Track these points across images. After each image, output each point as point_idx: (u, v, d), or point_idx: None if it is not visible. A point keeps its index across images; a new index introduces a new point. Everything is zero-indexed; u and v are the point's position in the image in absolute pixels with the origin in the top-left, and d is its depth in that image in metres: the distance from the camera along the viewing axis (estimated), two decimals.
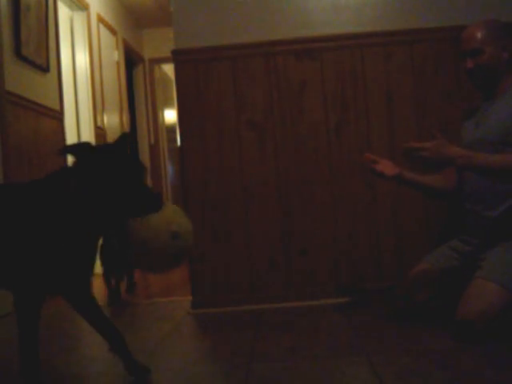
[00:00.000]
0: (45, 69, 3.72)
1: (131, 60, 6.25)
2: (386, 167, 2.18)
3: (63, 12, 4.47)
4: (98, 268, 3.10)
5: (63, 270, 1.62)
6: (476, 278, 1.97)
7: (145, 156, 6.34)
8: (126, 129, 5.67)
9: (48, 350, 2.24)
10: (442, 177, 2.27)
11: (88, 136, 4.64)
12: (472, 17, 2.66)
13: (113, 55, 5.41)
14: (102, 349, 1.93)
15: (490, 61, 2.06)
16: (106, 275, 3.18)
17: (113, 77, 5.35)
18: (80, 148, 1.61)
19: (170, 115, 6.94)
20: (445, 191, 2.28)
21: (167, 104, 6.92)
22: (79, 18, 4.67)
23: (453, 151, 1.99)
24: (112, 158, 1.55)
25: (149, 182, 6.34)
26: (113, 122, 5.24)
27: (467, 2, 2.76)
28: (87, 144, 1.62)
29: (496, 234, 2.04)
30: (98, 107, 4.79)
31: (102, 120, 4.91)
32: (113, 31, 5.45)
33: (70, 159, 1.64)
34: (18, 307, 1.71)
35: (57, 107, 3.91)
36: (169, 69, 6.80)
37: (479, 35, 2.06)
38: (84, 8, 4.67)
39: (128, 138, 1.64)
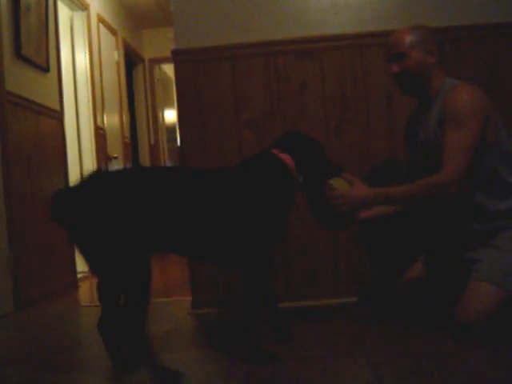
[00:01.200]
0: (45, 69, 3.72)
1: (131, 60, 6.25)
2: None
3: (63, 12, 4.47)
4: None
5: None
6: (472, 280, 1.96)
7: (145, 156, 6.35)
8: (126, 128, 5.67)
9: (48, 350, 2.24)
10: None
11: (88, 136, 4.65)
12: (472, 17, 2.67)
13: (113, 55, 5.41)
14: (101, 349, 1.94)
15: (415, 65, 2.04)
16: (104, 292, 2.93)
17: (113, 77, 5.36)
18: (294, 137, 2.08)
19: (170, 115, 6.94)
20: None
21: (167, 104, 6.93)
22: (79, 18, 4.67)
23: (365, 193, 2.00)
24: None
25: None
26: (113, 121, 5.24)
27: (467, 3, 2.76)
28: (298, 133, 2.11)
29: (492, 235, 2.03)
30: (97, 107, 4.79)
31: (102, 120, 4.91)
32: (113, 31, 5.45)
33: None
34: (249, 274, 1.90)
35: (57, 107, 3.91)
36: (169, 69, 6.80)
37: (404, 40, 2.05)
38: (84, 8, 4.67)
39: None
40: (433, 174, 1.98)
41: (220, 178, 1.89)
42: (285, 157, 1.97)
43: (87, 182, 1.72)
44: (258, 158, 2.00)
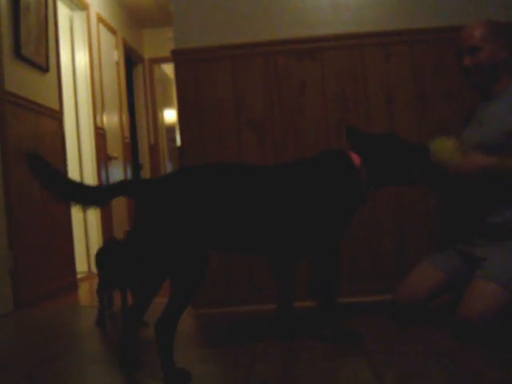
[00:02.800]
0: (44, 69, 3.72)
1: (131, 60, 6.25)
2: None
3: (63, 12, 4.47)
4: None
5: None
6: (476, 278, 1.97)
7: (145, 156, 6.34)
8: (126, 128, 5.67)
9: (48, 350, 2.24)
10: None
11: (88, 136, 4.64)
12: (472, 17, 2.66)
13: (112, 55, 5.40)
14: (101, 350, 1.94)
15: (487, 59, 2.05)
16: (101, 288, 2.64)
17: (112, 77, 5.35)
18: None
19: (170, 115, 6.94)
20: None
21: (167, 104, 6.92)
22: (79, 18, 4.67)
23: (479, 161, 1.97)
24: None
25: None
26: (112, 121, 5.24)
27: (467, 3, 2.76)
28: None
29: (501, 236, 2.04)
30: (97, 107, 4.79)
31: (102, 120, 4.90)
32: (113, 31, 5.45)
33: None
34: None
35: (56, 107, 3.91)
36: (169, 69, 6.80)
37: (478, 33, 2.06)
38: (84, 8, 4.66)
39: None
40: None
41: (297, 176, 1.98)
42: (354, 156, 2.01)
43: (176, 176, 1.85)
44: (328, 155, 2.05)
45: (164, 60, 6.35)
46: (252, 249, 2.03)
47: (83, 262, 4.42)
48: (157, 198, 1.71)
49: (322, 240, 1.99)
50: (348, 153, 2.03)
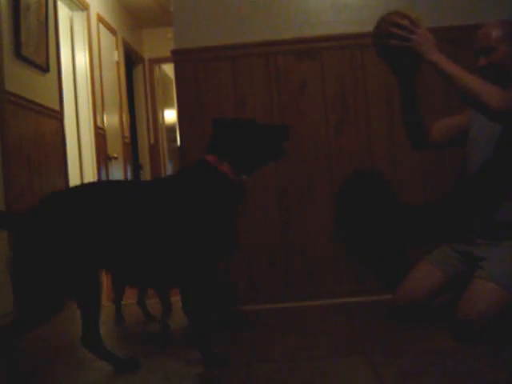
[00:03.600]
0: (45, 69, 3.72)
1: (131, 60, 6.25)
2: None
3: (63, 12, 4.47)
4: None
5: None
6: (476, 277, 1.97)
7: (145, 156, 6.34)
8: (126, 128, 5.67)
9: (48, 349, 2.24)
10: (428, 125, 2.24)
11: (88, 136, 4.64)
12: (472, 17, 2.67)
13: (113, 55, 5.40)
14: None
15: (502, 59, 2.06)
16: (118, 288, 2.69)
17: (113, 77, 5.35)
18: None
19: (170, 115, 6.94)
20: (424, 135, 2.23)
21: (167, 104, 6.92)
22: (79, 18, 4.67)
23: (433, 39, 1.93)
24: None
25: None
26: (113, 121, 5.24)
27: (467, 3, 2.76)
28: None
29: (501, 234, 2.04)
30: (97, 107, 4.79)
31: (102, 120, 4.91)
32: (113, 31, 5.45)
33: None
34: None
35: (57, 107, 3.91)
36: (169, 69, 6.80)
37: (493, 34, 2.07)
38: (84, 8, 4.66)
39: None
40: (488, 172, 2.03)
41: (155, 193, 1.85)
42: (223, 166, 1.87)
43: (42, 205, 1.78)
44: (192, 168, 1.92)
45: (164, 60, 6.34)
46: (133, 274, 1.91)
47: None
48: (27, 233, 1.71)
49: (191, 261, 1.81)
50: (204, 158, 1.90)
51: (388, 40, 1.94)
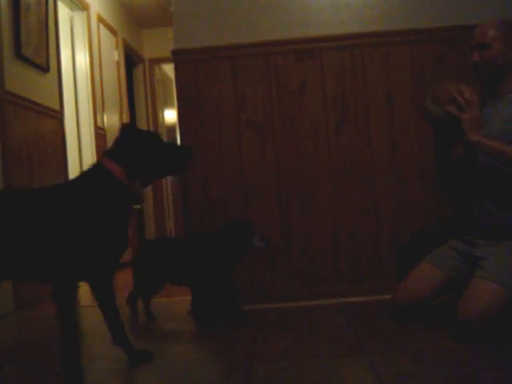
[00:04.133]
0: (45, 69, 3.72)
1: (131, 60, 6.24)
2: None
3: (63, 12, 4.47)
4: None
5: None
6: (476, 277, 1.97)
7: None
8: None
9: (49, 350, 2.24)
10: None
11: (88, 136, 4.65)
12: (472, 17, 2.67)
13: (113, 55, 5.41)
14: (101, 349, 1.94)
15: (495, 57, 2.09)
16: (135, 294, 2.67)
17: (113, 77, 5.35)
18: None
19: (170, 115, 6.93)
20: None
21: (167, 104, 6.92)
22: (79, 18, 4.67)
23: (477, 136, 1.98)
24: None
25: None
26: (113, 122, 5.24)
27: (467, 2, 2.76)
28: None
29: (501, 235, 2.04)
30: (98, 107, 4.79)
31: (102, 120, 4.91)
32: (113, 31, 5.45)
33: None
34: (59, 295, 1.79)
35: (57, 107, 3.91)
36: (169, 69, 6.80)
37: (490, 32, 2.10)
38: (84, 8, 4.67)
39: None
40: (486, 167, 2.04)
41: (49, 196, 1.83)
42: (114, 167, 1.85)
43: None
44: (88, 170, 1.90)
45: (164, 60, 6.34)
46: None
47: None
48: None
49: (97, 262, 1.81)
50: (103, 161, 1.88)
51: (447, 104, 2.02)
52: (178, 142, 1.92)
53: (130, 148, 1.88)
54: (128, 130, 1.95)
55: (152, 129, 6.47)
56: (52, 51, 3.87)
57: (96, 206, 1.80)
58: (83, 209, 1.78)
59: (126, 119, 5.65)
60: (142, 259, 2.63)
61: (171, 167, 2.00)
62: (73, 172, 4.20)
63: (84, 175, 1.89)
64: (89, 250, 1.77)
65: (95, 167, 1.89)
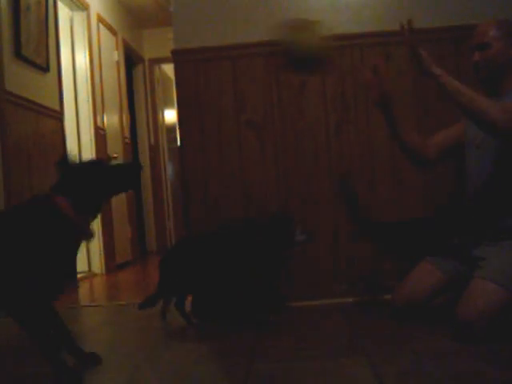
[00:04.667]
0: (45, 69, 3.72)
1: (131, 60, 6.25)
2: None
3: (63, 12, 4.47)
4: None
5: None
6: (476, 277, 1.97)
7: (145, 156, 6.34)
8: (126, 128, 5.67)
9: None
10: (422, 141, 2.31)
11: (88, 136, 4.65)
12: (472, 17, 2.66)
13: (113, 55, 5.41)
14: (101, 349, 1.94)
15: (496, 56, 2.08)
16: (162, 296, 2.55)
17: (113, 77, 5.35)
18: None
19: (170, 115, 6.93)
20: (421, 156, 2.31)
21: (167, 104, 6.92)
22: (79, 18, 4.67)
23: (439, 69, 1.98)
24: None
25: (148, 182, 6.34)
26: (113, 121, 5.24)
27: (467, 3, 2.76)
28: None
29: (498, 234, 2.04)
30: (97, 107, 4.79)
31: (102, 120, 4.91)
32: (113, 31, 5.45)
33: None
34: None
35: (57, 107, 3.91)
36: (169, 69, 6.79)
37: (491, 31, 2.10)
38: (84, 8, 4.67)
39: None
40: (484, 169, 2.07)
41: None
42: (60, 200, 1.82)
43: None
44: (30, 202, 1.89)
45: (164, 60, 6.34)
46: None
47: (83, 261, 4.42)
48: None
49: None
50: (50, 197, 1.85)
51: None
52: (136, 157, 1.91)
53: (72, 180, 1.85)
54: (62, 164, 1.89)
55: (152, 129, 6.49)
56: (52, 51, 3.87)
57: (35, 238, 1.76)
58: (22, 239, 1.75)
59: (126, 119, 5.65)
60: (182, 256, 2.48)
61: (120, 187, 1.98)
62: None
63: (28, 205, 1.86)
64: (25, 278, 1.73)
65: (41, 199, 1.85)
